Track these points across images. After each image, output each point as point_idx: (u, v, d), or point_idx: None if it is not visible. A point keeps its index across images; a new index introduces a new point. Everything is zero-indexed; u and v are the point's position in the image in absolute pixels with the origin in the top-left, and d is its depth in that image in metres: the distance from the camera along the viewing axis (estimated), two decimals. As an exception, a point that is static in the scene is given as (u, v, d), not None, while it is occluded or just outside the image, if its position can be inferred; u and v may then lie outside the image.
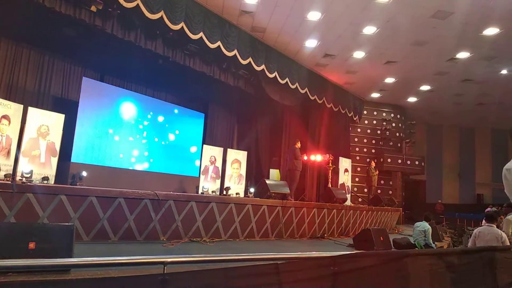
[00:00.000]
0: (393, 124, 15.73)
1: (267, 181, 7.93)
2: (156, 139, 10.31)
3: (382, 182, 14.81)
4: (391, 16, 8.66)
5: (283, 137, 12.65)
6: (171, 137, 10.74)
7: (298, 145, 9.71)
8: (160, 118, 10.48)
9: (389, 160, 14.89)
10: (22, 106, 6.22)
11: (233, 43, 9.18)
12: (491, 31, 9.00)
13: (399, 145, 15.92)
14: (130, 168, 9.57)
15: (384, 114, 15.75)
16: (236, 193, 8.31)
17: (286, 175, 10.10)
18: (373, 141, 15.57)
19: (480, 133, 19.46)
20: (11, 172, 5.45)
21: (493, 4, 7.86)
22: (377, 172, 13.04)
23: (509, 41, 9.44)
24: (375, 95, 14.80)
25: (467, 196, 19.14)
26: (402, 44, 10.10)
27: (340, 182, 12.58)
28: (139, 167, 9.80)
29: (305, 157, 9.65)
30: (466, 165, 19.27)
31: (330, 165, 11.19)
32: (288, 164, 9.73)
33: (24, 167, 5.49)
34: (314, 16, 8.82)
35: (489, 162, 19.12)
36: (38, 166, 6.08)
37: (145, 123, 10.11)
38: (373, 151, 15.45)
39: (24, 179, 4.84)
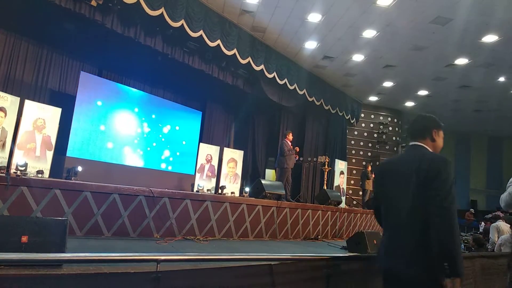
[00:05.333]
0: (390, 128, 15.77)
1: (263, 181, 7.93)
2: (152, 136, 10.29)
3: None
4: (391, 20, 8.68)
5: (280, 137, 12.66)
6: (168, 134, 10.71)
7: (290, 137, 9.50)
8: (157, 115, 10.46)
9: (385, 163, 14.91)
10: (18, 98, 6.19)
11: (233, 42, 9.17)
12: (490, 38, 9.05)
13: (395, 149, 15.97)
14: (126, 164, 9.54)
15: (381, 118, 15.80)
16: (232, 192, 8.31)
17: (277, 174, 10.04)
18: (370, 144, 15.61)
19: (476, 140, 19.55)
20: (5, 165, 5.43)
21: (493, 12, 7.90)
22: (373, 175, 13.08)
23: (507, 49, 9.48)
24: (373, 98, 14.84)
25: (461, 201, 19.22)
26: (401, 49, 10.13)
27: (336, 184, 12.63)
28: (135, 163, 9.77)
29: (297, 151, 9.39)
30: (460, 171, 19.35)
31: (326, 167, 11.21)
32: (277, 161, 9.67)
33: (19, 160, 5.46)
34: (314, 17, 8.83)
35: (484, 169, 19.21)
36: (33, 160, 6.05)
37: (142, 119, 10.08)
38: (369, 154, 15.49)
39: (18, 172, 4.82)
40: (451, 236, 1.97)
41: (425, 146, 2.34)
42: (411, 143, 2.42)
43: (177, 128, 11.00)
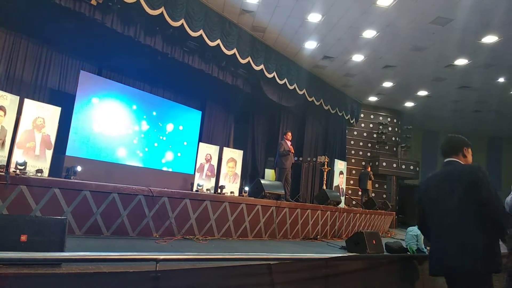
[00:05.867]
0: (389, 128, 15.78)
1: (262, 181, 7.91)
2: (152, 135, 10.28)
3: (376, 185, 14.87)
4: (391, 21, 8.69)
5: (280, 137, 12.67)
6: (167, 133, 10.71)
7: (288, 137, 9.44)
8: (157, 114, 10.45)
9: (384, 164, 14.95)
10: (18, 97, 6.20)
11: (233, 42, 9.17)
12: (489, 39, 9.05)
13: (394, 149, 15.97)
14: (125, 163, 9.54)
15: (381, 118, 15.80)
16: (231, 192, 8.31)
17: (276, 173, 10.01)
18: (369, 145, 15.62)
19: (475, 140, 19.42)
20: (5, 164, 5.43)
21: (493, 13, 7.91)
22: (373, 177, 13.25)
23: (507, 49, 9.49)
24: (373, 98, 14.85)
25: (460, 202, 19.19)
26: (401, 49, 10.14)
27: (335, 184, 12.64)
28: (134, 162, 9.77)
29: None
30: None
31: (326, 167, 11.22)
32: (275, 161, 9.65)
33: (18, 158, 5.46)
34: (314, 17, 8.83)
35: (483, 169, 19.18)
36: (33, 158, 6.05)
37: (142, 118, 10.07)
38: (368, 154, 15.50)
39: (18, 171, 4.81)
40: (506, 224, 2.50)
41: (458, 160, 2.76)
42: (446, 160, 2.80)
43: (180, 127, 10.99)
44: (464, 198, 2.50)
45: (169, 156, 10.66)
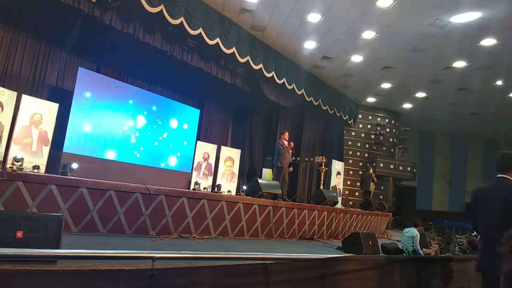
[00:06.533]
0: (387, 129, 15.81)
1: (260, 180, 7.92)
2: (149, 133, 10.26)
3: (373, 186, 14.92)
4: (390, 22, 8.70)
5: (278, 137, 12.66)
6: (165, 131, 10.69)
7: (286, 137, 9.43)
8: (155, 112, 10.43)
9: (381, 165, 14.98)
10: (16, 93, 6.18)
11: (232, 41, 9.16)
12: (488, 42, 9.07)
13: (392, 150, 16.01)
14: (122, 160, 9.51)
15: (378, 119, 15.83)
16: (228, 191, 8.31)
17: (273, 173, 10.00)
18: (367, 145, 15.64)
19: (472, 143, 19.61)
20: (1, 159, 5.41)
21: (491, 16, 7.93)
22: (376, 179, 13.33)
23: (505, 52, 9.52)
24: (371, 99, 14.87)
25: (457, 204, 19.29)
26: (400, 50, 10.15)
27: (332, 184, 12.65)
28: (131, 160, 9.74)
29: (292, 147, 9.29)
30: (457, 174, 19.43)
31: (323, 167, 11.23)
32: (273, 161, 9.64)
33: (15, 154, 5.44)
34: (314, 18, 8.83)
35: (480, 171, 19.28)
36: (30, 155, 6.04)
37: (139, 116, 10.04)
38: (366, 155, 15.52)
39: (14, 167, 4.80)
40: None
41: (510, 178, 3.07)
42: (498, 175, 3.11)
43: (185, 126, 10.95)
44: (502, 214, 2.91)
45: (168, 155, 10.64)
